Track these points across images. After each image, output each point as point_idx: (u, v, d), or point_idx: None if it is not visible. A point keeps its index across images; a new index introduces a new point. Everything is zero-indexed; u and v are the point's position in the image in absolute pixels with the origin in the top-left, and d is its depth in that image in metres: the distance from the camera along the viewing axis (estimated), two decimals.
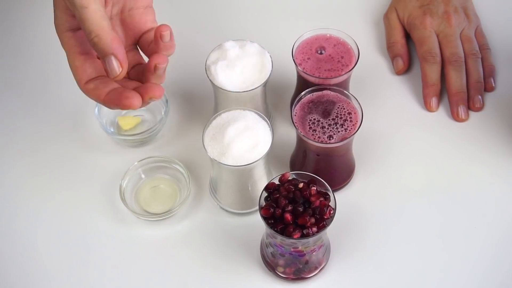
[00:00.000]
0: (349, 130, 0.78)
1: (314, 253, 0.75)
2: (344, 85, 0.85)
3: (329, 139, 0.77)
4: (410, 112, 0.92)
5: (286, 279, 0.78)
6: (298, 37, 0.85)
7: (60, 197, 0.86)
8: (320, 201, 0.71)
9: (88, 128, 0.92)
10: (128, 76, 0.66)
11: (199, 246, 0.81)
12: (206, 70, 0.82)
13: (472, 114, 0.92)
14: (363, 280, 0.79)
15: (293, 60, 0.84)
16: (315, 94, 0.80)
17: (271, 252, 0.77)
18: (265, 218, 0.71)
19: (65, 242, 0.83)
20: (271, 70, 0.82)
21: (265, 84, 0.83)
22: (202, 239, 0.82)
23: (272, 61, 0.83)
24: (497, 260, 0.79)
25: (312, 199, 0.71)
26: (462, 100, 0.91)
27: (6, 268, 0.81)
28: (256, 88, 0.81)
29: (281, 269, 0.77)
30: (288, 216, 0.70)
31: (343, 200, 0.82)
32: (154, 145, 0.90)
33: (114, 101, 0.62)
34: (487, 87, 0.93)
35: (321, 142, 0.77)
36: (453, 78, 0.92)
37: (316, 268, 0.78)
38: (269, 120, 0.80)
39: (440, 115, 0.92)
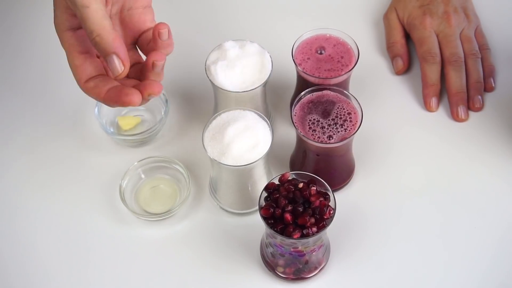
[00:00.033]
0: (349, 130, 0.78)
1: (314, 253, 0.75)
2: (344, 85, 0.85)
3: (329, 139, 0.77)
4: (410, 112, 0.92)
5: (286, 279, 0.78)
6: (298, 37, 0.85)
7: (60, 197, 0.86)
8: (320, 201, 0.71)
9: (88, 128, 0.92)
10: (127, 75, 0.67)
11: (199, 246, 0.81)
12: (206, 70, 0.82)
13: (472, 114, 0.92)
14: (363, 280, 0.79)
15: (293, 60, 0.84)
16: (315, 94, 0.80)
17: (271, 252, 0.77)
18: (265, 218, 0.71)
19: (65, 242, 0.83)
20: (271, 70, 0.82)
21: (265, 84, 0.83)
22: (202, 239, 0.82)
23: (272, 61, 0.83)
24: (497, 260, 0.79)
25: (312, 199, 0.71)
26: (462, 100, 0.91)
27: (6, 269, 0.81)
28: (256, 88, 0.81)
29: (281, 269, 0.77)
30: (288, 216, 0.70)
31: (343, 200, 0.82)
32: (154, 145, 0.90)
33: (113, 98, 0.63)
34: (487, 87, 0.93)
35: (321, 142, 0.77)
36: (453, 78, 0.92)
37: (316, 268, 0.78)
38: (269, 120, 0.80)
39: (440, 115, 0.92)
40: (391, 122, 0.91)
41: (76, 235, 0.83)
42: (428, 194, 0.85)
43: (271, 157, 0.85)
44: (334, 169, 0.83)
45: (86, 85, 0.64)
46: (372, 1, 1.04)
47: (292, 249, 0.73)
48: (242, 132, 0.76)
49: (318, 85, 0.82)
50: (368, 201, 0.84)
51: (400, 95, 0.94)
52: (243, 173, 0.78)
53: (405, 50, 0.96)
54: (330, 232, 0.76)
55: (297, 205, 0.70)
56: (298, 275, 0.78)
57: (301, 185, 0.72)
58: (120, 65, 0.61)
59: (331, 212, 0.71)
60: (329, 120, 0.79)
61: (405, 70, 0.96)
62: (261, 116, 0.79)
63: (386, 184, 0.86)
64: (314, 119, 0.79)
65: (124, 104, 0.62)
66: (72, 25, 0.64)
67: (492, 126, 0.90)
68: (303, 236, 0.69)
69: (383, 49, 0.99)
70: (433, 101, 0.92)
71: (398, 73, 0.96)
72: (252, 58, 0.82)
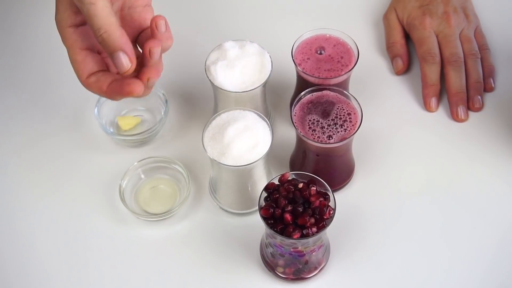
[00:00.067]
0: (349, 131, 0.78)
1: (313, 253, 0.75)
2: (343, 85, 0.85)
3: (329, 139, 0.77)
4: (409, 112, 0.92)
5: (286, 279, 0.78)
6: (297, 37, 0.85)
7: (59, 197, 0.86)
8: (320, 201, 0.71)
9: (88, 128, 0.92)
10: None
11: (198, 246, 0.81)
12: (205, 70, 0.82)
13: (472, 114, 0.92)
14: (363, 280, 0.79)
15: (293, 60, 0.84)
16: (314, 94, 0.80)
17: (270, 252, 0.77)
18: (265, 218, 0.71)
19: (65, 242, 0.82)
20: (271, 70, 0.82)
21: (264, 84, 0.83)
22: (202, 239, 0.82)
23: (271, 61, 0.83)
24: (497, 260, 0.79)
25: (312, 199, 0.71)
26: (461, 100, 0.91)
27: (5, 269, 0.81)
28: (255, 88, 0.81)
29: (280, 269, 0.77)
30: (287, 216, 0.70)
31: (342, 200, 0.82)
32: (154, 145, 0.90)
33: (116, 89, 0.63)
34: (487, 87, 0.93)
35: (321, 142, 0.77)
36: (452, 78, 0.92)
37: (315, 268, 0.78)
38: (268, 120, 0.80)
39: (440, 115, 0.92)
40: (391, 122, 0.91)
41: (76, 235, 0.83)
42: (428, 194, 0.85)
43: (271, 157, 0.85)
44: (334, 169, 0.83)
45: (87, 80, 0.65)
46: (371, 1, 1.04)
47: (292, 249, 0.73)
48: (242, 132, 0.76)
49: (318, 85, 0.82)
50: (368, 201, 0.84)
51: (400, 95, 0.94)
52: (243, 173, 0.78)
53: (404, 50, 0.96)
54: (330, 232, 0.76)
55: (297, 205, 0.70)
56: (298, 275, 0.78)
57: (301, 185, 0.72)
58: (127, 62, 0.61)
59: (331, 212, 0.71)
60: (329, 120, 0.79)
61: (405, 70, 0.96)
62: (261, 116, 0.79)
63: (386, 184, 0.86)
64: (314, 119, 0.79)
65: (126, 94, 0.62)
66: (75, 22, 0.64)
67: (492, 126, 0.90)
68: (303, 236, 0.69)
69: (383, 49, 0.99)
70: (433, 101, 0.92)
71: (398, 73, 0.96)
72: (252, 58, 0.82)
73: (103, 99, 0.90)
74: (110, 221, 0.84)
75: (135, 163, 0.86)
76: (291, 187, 0.72)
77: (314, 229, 0.70)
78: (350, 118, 0.78)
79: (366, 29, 1.01)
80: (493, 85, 0.94)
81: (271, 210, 0.70)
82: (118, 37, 0.61)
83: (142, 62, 0.64)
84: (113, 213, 0.84)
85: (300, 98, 0.80)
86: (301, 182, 0.72)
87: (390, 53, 0.97)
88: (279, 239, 0.71)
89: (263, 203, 0.72)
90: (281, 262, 0.76)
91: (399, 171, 0.87)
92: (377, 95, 0.94)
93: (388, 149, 0.89)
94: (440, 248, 0.81)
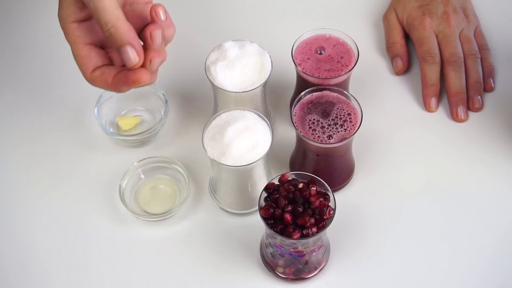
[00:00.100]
0: (349, 131, 0.78)
1: (313, 253, 0.75)
2: (343, 85, 0.85)
3: (329, 139, 0.77)
4: (409, 112, 0.92)
5: (286, 279, 0.78)
6: (297, 37, 0.85)
7: (59, 197, 0.86)
8: (320, 201, 0.71)
9: (88, 129, 0.92)
10: None
11: (198, 247, 0.81)
12: (205, 71, 0.82)
13: (472, 114, 0.92)
14: (363, 280, 0.79)
15: (293, 60, 0.84)
16: (314, 94, 0.80)
17: (270, 253, 0.77)
18: (265, 219, 0.71)
19: (64, 242, 0.82)
20: (271, 70, 0.82)
21: (264, 84, 0.83)
22: (202, 240, 0.82)
23: (271, 61, 0.83)
24: (497, 260, 0.79)
25: (312, 199, 0.71)
26: (461, 101, 0.91)
27: (5, 269, 0.81)
28: (255, 88, 0.81)
29: (280, 270, 0.77)
30: (287, 216, 0.70)
31: (342, 200, 0.82)
32: (154, 146, 0.90)
33: (122, 79, 0.63)
34: (487, 88, 0.94)
35: (321, 142, 0.77)
36: (452, 78, 0.92)
37: (315, 268, 0.78)
38: (268, 120, 0.80)
39: (440, 115, 0.92)
40: (391, 122, 0.91)
41: (76, 235, 0.83)
42: (428, 194, 0.85)
43: (271, 157, 0.85)
44: (334, 170, 0.83)
45: (92, 75, 0.65)
46: (371, 1, 1.04)
47: (292, 250, 0.73)
48: (242, 132, 0.76)
49: (317, 85, 0.82)
50: (368, 201, 0.84)
51: (400, 95, 0.94)
52: (243, 173, 0.78)
53: (404, 50, 0.96)
54: (330, 232, 0.76)
55: (297, 206, 0.70)
56: (298, 276, 0.78)
57: (301, 185, 0.72)
58: (135, 56, 0.61)
59: (331, 212, 0.71)
60: (329, 120, 0.79)
61: (405, 70, 0.96)
62: (261, 116, 0.79)
63: (385, 184, 0.86)
64: (314, 119, 0.79)
65: (132, 82, 0.62)
66: (78, 18, 0.64)
67: (492, 126, 0.90)
68: (303, 236, 0.69)
69: (383, 50, 0.99)
70: (433, 101, 0.92)
71: (397, 73, 0.96)
72: (252, 58, 0.82)
73: (103, 99, 0.90)
74: (110, 221, 0.84)
75: (135, 163, 0.85)
76: (291, 187, 0.72)
77: (314, 229, 0.70)
78: (350, 118, 0.78)
79: (366, 29, 1.01)
80: (493, 85, 0.94)
81: (271, 210, 0.70)
82: (126, 31, 0.61)
83: (144, 50, 0.64)
84: (113, 213, 0.84)
85: (300, 98, 0.80)
86: (301, 182, 0.72)
87: (390, 53, 0.97)
88: (279, 239, 0.71)
89: (263, 203, 0.72)
90: (281, 262, 0.76)
91: (399, 171, 0.87)
92: (377, 95, 0.94)
93: (388, 149, 0.89)
94: (440, 248, 0.81)
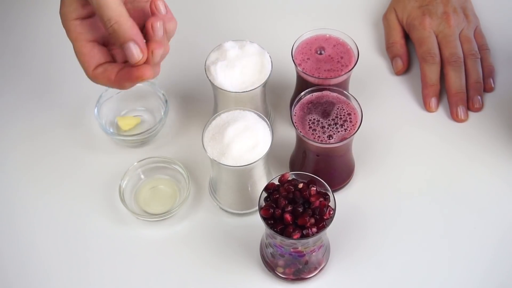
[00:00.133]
0: (349, 131, 0.78)
1: (313, 253, 0.75)
2: (343, 85, 0.85)
3: (329, 139, 0.77)
4: (409, 112, 0.92)
5: (286, 279, 0.78)
6: (297, 37, 0.85)
7: (59, 198, 0.86)
8: (320, 201, 0.71)
9: (88, 129, 0.92)
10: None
11: (198, 247, 0.81)
12: (205, 71, 0.82)
13: (472, 114, 0.92)
14: (363, 280, 0.79)
15: (293, 60, 0.84)
16: (314, 94, 0.80)
17: (270, 253, 0.77)
18: (265, 219, 0.71)
19: (64, 242, 0.82)
20: (271, 71, 0.82)
21: (264, 85, 0.82)
22: (202, 240, 0.82)
23: (271, 61, 0.83)
24: (497, 260, 0.79)
25: (312, 199, 0.71)
26: (461, 101, 0.91)
27: (5, 269, 0.81)
28: (255, 88, 0.81)
29: (280, 270, 0.77)
30: (287, 216, 0.70)
31: (342, 200, 0.82)
32: (154, 146, 0.90)
33: (125, 76, 0.63)
34: (486, 88, 0.93)
35: (321, 142, 0.77)
36: (452, 78, 0.92)
37: (315, 268, 0.78)
38: (268, 120, 0.80)
39: (440, 115, 0.92)
40: (391, 122, 0.91)
41: (76, 235, 0.83)
42: (428, 194, 0.85)
43: (271, 157, 0.85)
44: (334, 170, 0.83)
45: (94, 72, 0.65)
46: (371, 1, 1.04)
47: (292, 250, 0.73)
48: (242, 133, 0.76)
49: (317, 85, 0.82)
50: (368, 201, 0.84)
51: (400, 95, 0.94)
52: (243, 173, 0.78)
53: (404, 50, 0.96)
54: (330, 232, 0.76)
55: (297, 206, 0.70)
56: (298, 276, 0.78)
57: (301, 185, 0.72)
58: (138, 52, 0.61)
59: (331, 212, 0.71)
60: (329, 120, 0.79)
61: (405, 70, 0.96)
62: (261, 117, 0.79)
63: (385, 184, 0.86)
64: (314, 119, 0.79)
65: (136, 78, 0.62)
66: (81, 15, 0.64)
67: (492, 126, 0.90)
68: (303, 236, 0.69)
69: (383, 50, 0.99)
70: (433, 101, 0.92)
71: (397, 73, 0.96)
72: (252, 58, 0.82)
73: (103, 99, 0.90)
74: (110, 221, 0.84)
75: (135, 163, 0.85)
76: (291, 187, 0.72)
77: (314, 229, 0.70)
78: (350, 118, 0.78)
79: (366, 29, 1.01)
80: (492, 85, 0.94)
81: (271, 210, 0.70)
82: (129, 27, 0.61)
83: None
84: (113, 214, 0.84)
85: (300, 98, 0.80)
86: (301, 182, 0.72)
87: (390, 53, 0.97)
88: (279, 239, 0.71)
89: (263, 203, 0.72)
90: (281, 262, 0.76)
91: (399, 171, 0.87)
92: (377, 95, 0.94)
93: (388, 149, 0.89)
94: (440, 248, 0.81)
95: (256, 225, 0.80)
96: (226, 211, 0.84)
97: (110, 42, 0.67)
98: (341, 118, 0.78)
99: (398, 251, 0.80)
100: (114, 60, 0.67)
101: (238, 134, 0.76)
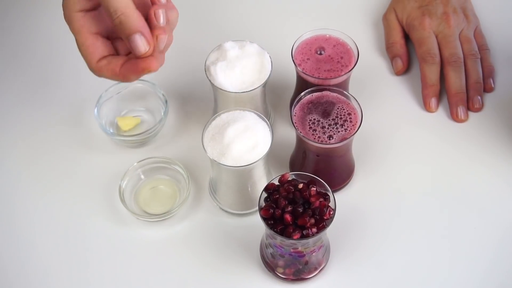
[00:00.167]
0: (349, 131, 0.78)
1: (313, 253, 0.75)
2: (343, 85, 0.85)
3: (329, 139, 0.77)
4: (409, 112, 0.92)
5: (286, 279, 0.78)
6: (297, 38, 0.85)
7: (59, 198, 0.86)
8: (320, 201, 0.71)
9: (88, 129, 0.92)
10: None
11: (198, 247, 0.81)
12: (205, 71, 0.82)
13: (472, 114, 0.92)
14: (363, 280, 0.79)
15: (293, 60, 0.84)
16: (314, 94, 0.80)
17: (270, 253, 0.77)
18: (265, 219, 0.71)
19: (64, 243, 0.82)
20: (271, 71, 0.82)
21: (264, 85, 0.82)
22: (202, 240, 0.82)
23: (271, 61, 0.83)
24: (497, 260, 0.79)
25: (312, 199, 0.71)
26: (461, 101, 0.91)
27: (5, 269, 0.81)
28: (255, 88, 0.81)
29: (280, 270, 0.77)
30: (287, 216, 0.69)
31: (342, 200, 0.82)
32: (154, 146, 0.90)
33: (130, 68, 0.62)
34: (486, 88, 0.93)
35: (321, 142, 0.77)
36: (452, 78, 0.92)
37: (315, 268, 0.78)
38: (268, 120, 0.80)
39: (440, 115, 0.92)
40: (391, 122, 0.91)
41: (76, 235, 0.83)
42: (428, 194, 0.85)
43: (270, 157, 0.85)
44: (334, 170, 0.83)
45: (98, 64, 0.64)
46: (371, 1, 1.04)
47: (292, 250, 0.73)
48: (242, 133, 0.76)
49: (317, 85, 0.82)
50: (368, 202, 0.84)
51: (400, 95, 0.94)
52: (243, 173, 0.78)
53: (404, 50, 0.96)
54: (330, 232, 0.76)
55: (297, 206, 0.70)
56: (298, 276, 0.78)
57: (301, 185, 0.72)
58: (144, 44, 0.61)
59: (331, 212, 0.71)
60: (329, 120, 0.78)
61: (405, 70, 0.96)
62: (260, 117, 0.79)
63: (386, 185, 0.86)
64: (314, 119, 0.79)
65: (142, 70, 0.62)
66: (84, 7, 0.64)
67: (492, 126, 0.90)
68: (303, 236, 0.69)
69: (383, 50, 0.99)
70: (433, 101, 0.92)
71: (397, 73, 0.96)
72: (252, 59, 0.82)
73: (103, 99, 0.90)
74: (110, 222, 0.84)
75: (135, 164, 0.85)
76: (291, 187, 0.72)
77: (314, 230, 0.70)
78: (350, 118, 0.78)
79: (366, 30, 1.01)
80: (492, 86, 0.94)
81: (271, 210, 0.70)
82: (136, 19, 0.60)
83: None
84: (113, 214, 0.84)
85: (300, 99, 0.80)
86: (301, 183, 0.72)
87: (390, 53, 0.97)
88: (279, 239, 0.71)
89: (263, 204, 0.72)
90: (281, 262, 0.76)
91: (399, 171, 0.87)
92: (377, 95, 0.94)
93: (388, 149, 0.89)
94: (440, 248, 0.81)
95: (256, 225, 0.80)
96: (226, 211, 0.84)
97: (113, 36, 0.67)
98: (341, 118, 0.78)
99: (398, 251, 0.80)
100: (117, 53, 0.66)
101: (238, 135, 0.76)
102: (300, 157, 0.83)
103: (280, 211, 0.70)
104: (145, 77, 0.91)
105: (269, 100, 0.90)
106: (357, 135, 0.78)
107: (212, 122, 0.78)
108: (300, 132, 0.77)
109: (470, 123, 0.91)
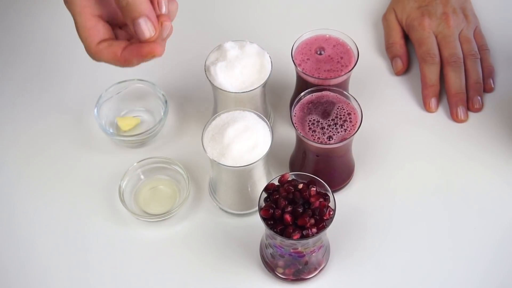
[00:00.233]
0: (349, 131, 0.78)
1: (313, 254, 0.75)
2: (343, 85, 0.85)
3: (329, 140, 0.77)
4: (409, 112, 0.92)
5: (286, 280, 0.78)
6: (297, 38, 0.85)
7: (59, 198, 0.86)
8: (320, 202, 0.71)
9: (87, 129, 0.92)
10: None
11: (198, 247, 0.81)
12: (205, 71, 0.82)
13: (472, 114, 0.92)
14: (363, 281, 0.79)
15: (293, 60, 0.84)
16: (314, 94, 0.80)
17: (270, 253, 0.77)
18: (265, 219, 0.71)
19: (64, 243, 0.82)
20: (271, 71, 0.82)
21: (264, 85, 0.82)
22: (202, 240, 0.82)
23: (271, 61, 0.83)
24: (497, 260, 0.79)
25: (312, 200, 0.71)
26: (461, 101, 0.91)
27: (4, 269, 0.81)
28: (255, 88, 0.81)
29: (280, 270, 0.77)
30: (287, 217, 0.69)
31: (342, 200, 0.82)
32: (154, 146, 0.90)
33: (134, 51, 0.61)
34: (486, 88, 0.93)
35: (321, 142, 0.77)
36: (452, 79, 0.92)
37: (315, 269, 0.78)
38: (268, 120, 0.80)
39: (440, 115, 0.92)
40: (391, 122, 0.91)
41: (75, 236, 0.83)
42: (428, 194, 0.85)
43: (270, 157, 0.85)
44: (334, 170, 0.83)
45: (98, 47, 0.63)
46: (371, 2, 1.04)
47: (291, 250, 0.73)
48: (241, 133, 0.76)
49: (317, 85, 0.82)
50: (368, 202, 0.84)
51: (400, 95, 0.94)
52: (243, 174, 0.78)
53: (404, 50, 0.96)
54: (330, 233, 0.76)
55: (297, 206, 0.70)
56: (298, 276, 0.78)
57: (300, 186, 0.72)
58: (151, 28, 0.60)
59: (331, 213, 0.71)
60: (329, 120, 0.78)
61: (405, 70, 0.96)
62: (260, 117, 0.79)
63: (385, 185, 0.86)
64: (314, 120, 0.79)
65: (146, 54, 0.61)
66: None
67: (492, 126, 0.90)
68: (303, 237, 0.69)
69: (383, 50, 0.99)
70: (433, 101, 0.92)
71: (397, 73, 0.96)
72: (252, 59, 0.82)
73: (103, 99, 0.90)
74: (109, 222, 0.84)
75: (135, 164, 0.85)
76: (291, 187, 0.72)
77: (314, 230, 0.70)
78: (350, 118, 0.78)
79: (366, 30, 1.01)
80: (492, 86, 0.94)
81: (271, 210, 0.70)
82: (143, 2, 0.60)
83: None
84: (113, 214, 0.84)
85: (300, 99, 0.80)
86: (301, 183, 0.72)
87: (390, 54, 0.97)
88: (279, 239, 0.71)
89: (263, 204, 0.72)
90: (281, 263, 0.76)
91: (399, 171, 0.87)
92: (376, 95, 0.94)
93: (388, 150, 0.89)
94: (440, 248, 0.81)
95: (256, 225, 0.80)
96: (226, 211, 0.84)
97: (113, 22, 0.66)
98: (341, 118, 0.78)
99: (397, 252, 0.80)
100: (118, 38, 0.65)
101: (238, 135, 0.76)
102: (300, 157, 0.83)
103: (280, 211, 0.70)
104: (145, 77, 0.92)
105: (269, 100, 0.90)
106: (357, 135, 0.78)
107: (212, 122, 0.78)
108: (300, 132, 0.77)
109: (470, 123, 0.91)
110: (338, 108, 0.79)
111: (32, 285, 0.80)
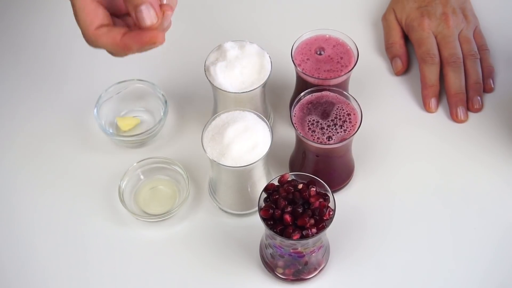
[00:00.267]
0: (349, 131, 0.77)
1: (313, 254, 0.75)
2: (343, 85, 0.85)
3: (328, 140, 0.77)
4: (409, 113, 0.92)
5: (286, 280, 0.78)
6: (297, 38, 0.85)
7: (58, 198, 0.86)
8: (320, 202, 0.71)
9: (87, 129, 0.92)
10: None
11: (198, 247, 0.81)
12: (205, 71, 0.82)
13: (471, 115, 0.92)
14: (363, 281, 0.79)
15: (292, 61, 0.83)
16: (314, 95, 0.80)
17: (270, 253, 0.76)
18: (265, 219, 0.71)
19: (64, 243, 0.82)
20: (271, 71, 0.82)
21: (264, 85, 0.82)
22: (201, 240, 0.82)
23: (271, 61, 0.83)
24: (497, 260, 0.79)
25: (312, 200, 0.71)
26: (461, 101, 0.91)
27: (4, 269, 0.81)
28: (255, 89, 0.81)
29: (280, 270, 0.77)
30: (287, 217, 0.69)
31: (342, 201, 0.82)
32: (153, 146, 0.90)
33: (135, 37, 0.60)
34: (486, 88, 0.93)
35: (320, 143, 0.77)
36: (452, 79, 0.92)
37: (315, 269, 0.78)
38: (268, 121, 0.80)
39: (439, 116, 0.92)
40: (391, 122, 0.91)
41: (75, 236, 0.83)
42: (428, 194, 0.85)
43: (270, 158, 0.85)
44: (333, 170, 0.83)
45: (97, 31, 0.61)
46: (371, 2, 1.04)
47: (291, 250, 0.73)
48: (241, 133, 0.76)
49: (317, 85, 0.82)
50: (367, 202, 0.84)
51: (400, 95, 0.94)
52: (243, 174, 0.78)
53: (404, 50, 0.96)
54: (330, 233, 0.76)
55: (297, 206, 0.70)
56: (298, 276, 0.78)
57: (300, 186, 0.72)
58: (153, 16, 0.59)
59: (331, 213, 0.71)
60: (328, 121, 0.78)
61: (404, 70, 0.96)
62: (260, 117, 0.79)
63: (385, 185, 0.86)
64: (313, 120, 0.79)
65: (147, 41, 0.60)
66: None
67: (492, 126, 0.90)
68: (303, 237, 0.69)
69: (382, 50, 0.99)
70: (432, 102, 0.92)
71: (397, 73, 0.96)
72: (252, 59, 0.82)
73: (103, 99, 0.90)
74: (109, 222, 0.84)
75: (135, 164, 0.85)
76: (290, 188, 0.72)
77: (314, 230, 0.70)
78: (349, 119, 0.78)
79: (366, 30, 1.01)
80: (492, 86, 0.94)
81: (271, 211, 0.70)
82: None
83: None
84: (113, 214, 0.84)
85: (300, 99, 0.80)
86: (301, 183, 0.72)
87: (389, 54, 0.97)
88: (278, 240, 0.71)
89: (262, 204, 0.72)
90: (280, 263, 0.76)
91: (399, 171, 0.87)
92: (376, 95, 0.94)
93: (387, 150, 0.89)
94: (440, 248, 0.81)
95: (255, 225, 0.80)
96: (225, 211, 0.84)
97: (112, 11, 0.65)
98: (340, 119, 0.78)
99: (397, 252, 0.80)
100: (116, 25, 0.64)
101: (237, 135, 0.76)
102: (300, 157, 0.83)
103: (279, 211, 0.70)
104: (145, 77, 0.92)
105: (269, 100, 0.90)
106: (357, 135, 0.78)
107: (212, 122, 0.78)
108: (300, 132, 0.77)
109: (470, 123, 0.91)
110: (337, 109, 0.79)
111: (32, 285, 0.80)
